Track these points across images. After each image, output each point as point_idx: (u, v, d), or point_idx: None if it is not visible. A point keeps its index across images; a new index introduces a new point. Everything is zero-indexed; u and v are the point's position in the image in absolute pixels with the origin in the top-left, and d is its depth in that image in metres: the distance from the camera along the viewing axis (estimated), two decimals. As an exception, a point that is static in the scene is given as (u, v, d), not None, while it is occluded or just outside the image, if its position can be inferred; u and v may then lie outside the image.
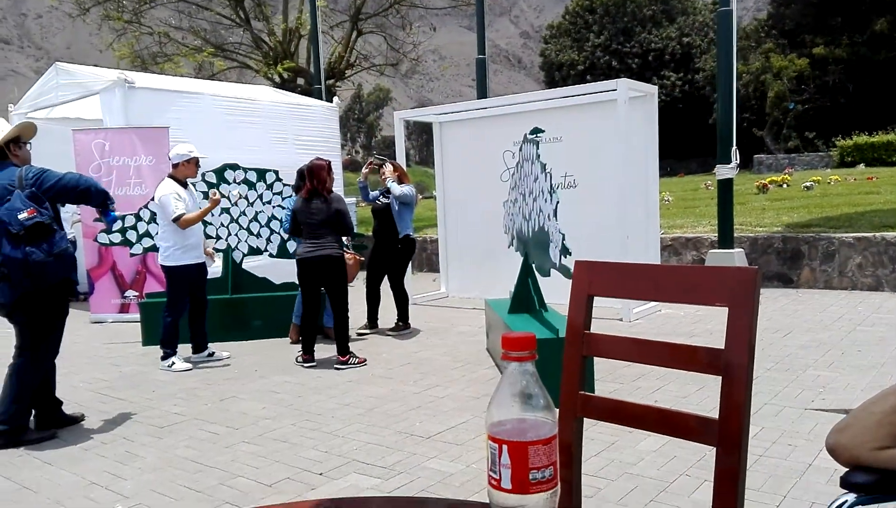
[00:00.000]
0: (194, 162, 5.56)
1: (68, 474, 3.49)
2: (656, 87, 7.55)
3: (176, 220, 5.31)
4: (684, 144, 38.52)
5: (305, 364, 5.48)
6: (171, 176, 5.53)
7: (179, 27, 19.52)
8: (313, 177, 5.41)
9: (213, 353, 5.85)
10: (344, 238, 5.73)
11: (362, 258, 5.91)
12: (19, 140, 4.05)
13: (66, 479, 3.43)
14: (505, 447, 0.88)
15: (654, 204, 7.32)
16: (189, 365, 5.56)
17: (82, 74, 8.50)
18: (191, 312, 5.67)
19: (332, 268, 5.39)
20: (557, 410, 1.06)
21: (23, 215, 3.68)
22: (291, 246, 6.90)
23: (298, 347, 5.70)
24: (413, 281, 8.00)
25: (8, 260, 3.73)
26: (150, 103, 7.84)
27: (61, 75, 8.51)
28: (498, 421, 0.89)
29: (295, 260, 5.56)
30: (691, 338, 5.66)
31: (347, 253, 5.69)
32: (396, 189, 6.31)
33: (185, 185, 5.53)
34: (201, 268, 5.61)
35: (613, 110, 6.53)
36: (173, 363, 5.53)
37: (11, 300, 3.83)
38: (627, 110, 6.44)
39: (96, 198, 4.06)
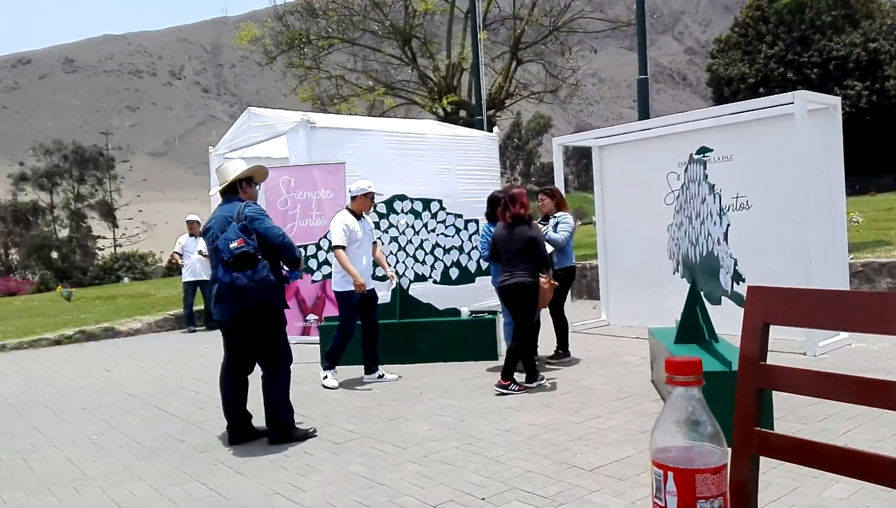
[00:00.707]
0: (370, 197, 5.97)
1: (255, 483, 3.83)
2: (839, 98, 6.96)
3: (334, 248, 5.73)
4: (874, 160, 34.93)
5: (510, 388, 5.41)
6: (347, 208, 5.97)
7: (354, 69, 20.98)
8: (516, 202, 5.44)
9: (383, 375, 6.15)
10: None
11: (556, 284, 5.84)
12: (252, 180, 4.61)
13: (253, 488, 3.76)
14: (670, 473, 0.86)
15: (842, 226, 6.70)
16: (336, 383, 5.94)
17: (271, 116, 9.38)
18: (363, 335, 6.04)
19: (521, 295, 5.41)
20: (730, 448, 1.02)
21: (233, 245, 4.21)
22: (454, 273, 7.13)
23: (459, 372, 5.82)
24: (572, 308, 7.91)
25: (220, 283, 4.28)
26: (329, 141, 8.48)
27: (253, 119, 9.45)
28: (662, 447, 0.88)
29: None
30: (888, 375, 5.08)
31: (543, 278, 5.58)
32: (556, 238, 6.27)
33: (359, 217, 5.92)
34: (367, 295, 5.93)
35: (790, 125, 6.09)
36: (326, 377, 5.92)
37: (228, 319, 4.40)
38: (806, 125, 5.98)
39: (287, 256, 4.51)
